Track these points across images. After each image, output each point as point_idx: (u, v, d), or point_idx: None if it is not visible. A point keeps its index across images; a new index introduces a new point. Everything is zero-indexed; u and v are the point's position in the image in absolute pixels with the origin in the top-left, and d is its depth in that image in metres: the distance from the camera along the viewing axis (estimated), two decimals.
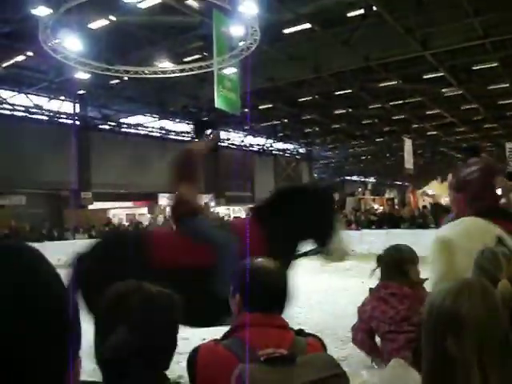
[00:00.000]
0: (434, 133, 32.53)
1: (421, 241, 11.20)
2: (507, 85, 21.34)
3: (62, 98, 23.53)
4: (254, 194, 33.92)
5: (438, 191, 23.73)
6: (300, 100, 25.06)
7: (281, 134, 34.87)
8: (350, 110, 26.31)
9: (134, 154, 26.60)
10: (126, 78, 18.55)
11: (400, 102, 24.58)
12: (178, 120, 29.11)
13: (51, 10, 12.41)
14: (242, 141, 34.51)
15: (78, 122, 24.48)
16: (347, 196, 28.87)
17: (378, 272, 3.08)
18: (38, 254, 0.72)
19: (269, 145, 36.55)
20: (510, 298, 1.87)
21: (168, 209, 26.76)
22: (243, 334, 1.74)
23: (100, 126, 26.19)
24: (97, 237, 21.21)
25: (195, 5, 14.26)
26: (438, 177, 26.40)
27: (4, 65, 18.19)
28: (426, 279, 2.92)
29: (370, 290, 3.05)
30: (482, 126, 30.93)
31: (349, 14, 15.31)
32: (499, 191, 4.82)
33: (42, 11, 12.52)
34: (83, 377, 1.34)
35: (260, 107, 25.20)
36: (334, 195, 5.26)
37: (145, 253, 3.83)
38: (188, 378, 1.81)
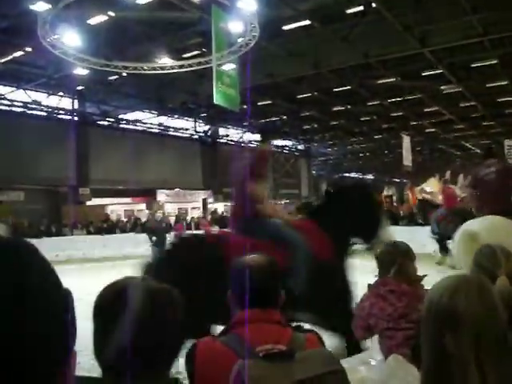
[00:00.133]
0: (433, 130, 32.53)
1: (416, 238, 11.28)
2: (506, 82, 21.34)
3: (61, 93, 23.47)
4: None
5: (436, 188, 23.69)
6: (299, 96, 25.03)
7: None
8: (349, 106, 26.28)
9: (132, 150, 26.49)
10: (124, 74, 18.50)
11: (399, 99, 24.56)
12: (176, 116, 29.07)
13: (50, 6, 12.38)
14: (241, 137, 34.48)
15: (76, 118, 24.42)
16: None
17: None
18: (34, 249, 0.72)
19: None
20: (508, 294, 1.87)
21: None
22: (241, 330, 1.75)
23: (98, 122, 26.13)
24: (95, 233, 21.27)
25: (194, 0, 14.22)
26: (436, 174, 26.40)
27: (2, 60, 18.13)
28: (425, 276, 2.92)
29: (369, 286, 3.05)
30: (480, 124, 30.92)
31: (348, 11, 15.29)
32: None
33: (40, 6, 12.49)
34: (82, 372, 1.34)
35: (259, 103, 25.18)
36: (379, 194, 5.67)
37: (225, 255, 3.96)
38: (186, 375, 1.81)
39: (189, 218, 26.66)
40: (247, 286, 1.77)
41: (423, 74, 20.75)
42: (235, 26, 14.20)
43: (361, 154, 44.42)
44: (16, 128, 21.22)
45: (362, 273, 4.26)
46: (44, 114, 23.69)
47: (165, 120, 29.14)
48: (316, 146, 40.19)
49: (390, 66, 19.42)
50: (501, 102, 25.01)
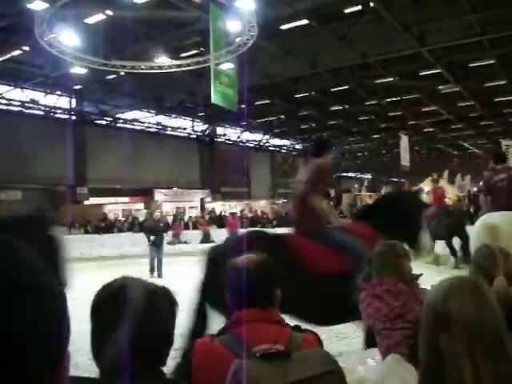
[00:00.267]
0: (431, 129, 32.58)
1: None
2: (504, 82, 21.38)
3: (58, 92, 23.45)
4: (250, 189, 33.91)
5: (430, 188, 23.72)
6: (297, 96, 25.05)
7: (277, 130, 34.85)
8: (347, 106, 26.31)
9: (130, 150, 26.47)
10: (122, 73, 18.48)
11: (397, 98, 24.60)
12: (174, 115, 29.06)
13: (47, 5, 12.36)
14: (239, 137, 34.48)
15: (74, 117, 24.41)
16: (343, 192, 28.90)
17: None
18: (26, 249, 0.71)
19: (265, 141, 36.52)
20: (505, 295, 1.87)
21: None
22: (239, 329, 1.74)
23: (96, 121, 26.12)
24: (93, 232, 21.24)
25: None
26: (434, 173, 26.43)
27: (0, 59, 18.10)
28: (421, 275, 2.92)
29: (360, 286, 3.04)
30: (478, 123, 30.97)
31: (346, 11, 15.31)
32: None
33: (38, 5, 12.47)
34: (79, 372, 1.34)
35: (257, 103, 25.18)
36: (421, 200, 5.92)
37: (295, 257, 4.15)
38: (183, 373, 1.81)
39: (187, 217, 26.64)
40: (243, 285, 1.77)
41: (421, 74, 20.79)
42: (233, 26, 14.18)
43: (359, 154, 44.46)
44: (13, 127, 21.20)
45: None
46: (41, 113, 23.67)
47: (163, 119, 29.14)
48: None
49: (388, 66, 19.44)
50: (499, 101, 25.06)
